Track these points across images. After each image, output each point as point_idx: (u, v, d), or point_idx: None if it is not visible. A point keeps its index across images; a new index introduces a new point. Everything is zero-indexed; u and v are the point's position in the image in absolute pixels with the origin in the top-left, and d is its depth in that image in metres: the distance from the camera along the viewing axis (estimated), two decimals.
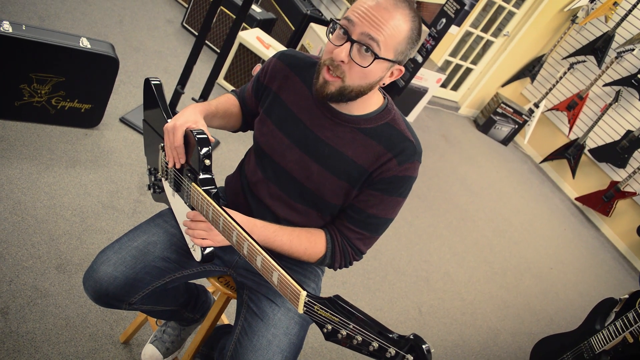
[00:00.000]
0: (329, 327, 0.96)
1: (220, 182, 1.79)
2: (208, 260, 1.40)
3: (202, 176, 1.34)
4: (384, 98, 1.46)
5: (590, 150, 6.40)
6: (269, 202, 1.55)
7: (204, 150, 1.33)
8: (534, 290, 4.34)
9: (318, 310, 0.98)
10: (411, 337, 0.88)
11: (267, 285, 1.55)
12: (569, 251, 5.43)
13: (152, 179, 1.69)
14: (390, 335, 0.89)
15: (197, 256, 1.40)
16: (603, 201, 6.18)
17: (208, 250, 1.39)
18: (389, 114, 1.44)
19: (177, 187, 1.48)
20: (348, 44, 1.25)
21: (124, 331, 2.13)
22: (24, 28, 2.47)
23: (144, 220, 2.54)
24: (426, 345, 0.87)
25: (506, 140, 7.03)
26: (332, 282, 3.01)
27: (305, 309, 1.02)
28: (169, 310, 1.72)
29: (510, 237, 4.94)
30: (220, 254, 1.62)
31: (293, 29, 4.77)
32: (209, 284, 2.26)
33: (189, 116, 1.38)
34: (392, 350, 0.88)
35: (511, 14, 6.35)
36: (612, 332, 2.52)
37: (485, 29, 6.31)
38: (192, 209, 1.41)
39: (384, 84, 1.37)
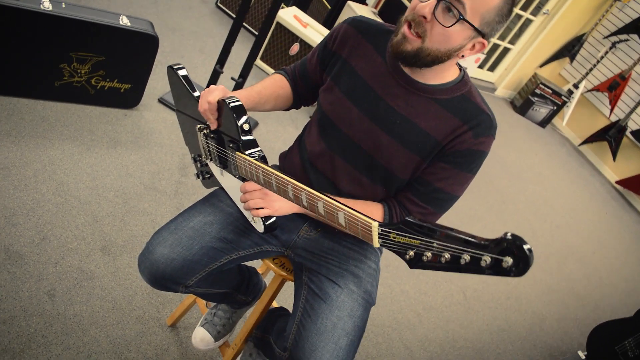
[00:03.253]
0: (411, 252, 0.89)
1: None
2: (271, 230, 1.34)
3: (243, 139, 1.29)
4: (460, 70, 1.38)
5: (633, 132, 6.22)
6: (332, 175, 1.47)
7: (240, 116, 1.29)
8: (577, 274, 4.23)
9: (395, 237, 0.91)
10: (508, 237, 0.78)
11: (328, 266, 1.48)
12: (611, 235, 5.28)
13: (198, 165, 1.64)
14: (483, 243, 0.81)
15: (260, 227, 1.34)
16: None
17: (270, 220, 1.33)
18: (465, 86, 1.35)
19: (224, 164, 1.43)
20: (434, 1, 1.16)
21: (171, 314, 2.09)
22: (63, 6, 2.42)
23: (186, 201, 2.51)
24: (527, 245, 0.77)
25: (544, 122, 6.85)
26: None
27: (380, 240, 0.95)
28: (222, 292, 1.67)
29: (552, 220, 4.82)
30: (278, 234, 1.56)
31: (329, 7, 4.67)
32: (258, 266, 2.21)
33: (226, 89, 1.35)
34: (487, 258, 0.80)
35: None
36: None
37: (524, 7, 6.13)
38: (243, 180, 1.35)
39: (462, 56, 1.28)
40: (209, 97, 1.31)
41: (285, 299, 2.39)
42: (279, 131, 3.54)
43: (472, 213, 4.04)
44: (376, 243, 0.96)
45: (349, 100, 1.40)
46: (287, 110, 1.66)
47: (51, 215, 2.18)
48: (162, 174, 2.67)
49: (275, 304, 2.09)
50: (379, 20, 4.49)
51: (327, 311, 1.37)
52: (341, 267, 1.48)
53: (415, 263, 0.88)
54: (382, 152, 1.38)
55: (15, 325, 1.79)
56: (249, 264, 1.87)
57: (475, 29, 1.20)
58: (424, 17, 1.18)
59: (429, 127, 1.33)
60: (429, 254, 0.86)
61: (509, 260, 0.77)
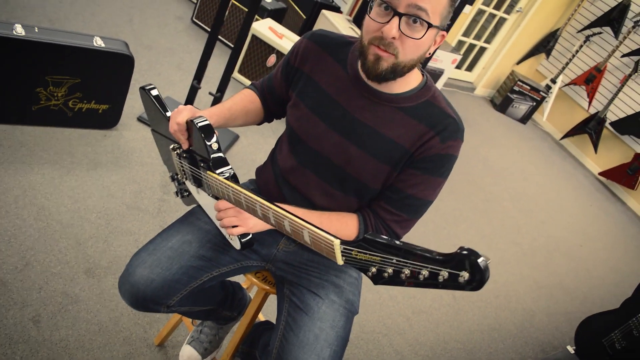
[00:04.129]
0: (373, 269, 0.90)
1: (244, 175, 1.73)
2: (248, 247, 1.34)
3: (213, 158, 1.30)
4: (423, 75, 1.39)
5: (612, 123, 6.28)
6: (305, 191, 1.48)
7: (209, 135, 1.30)
8: (565, 268, 4.26)
9: (357, 255, 0.92)
10: (464, 252, 0.80)
11: (308, 277, 1.49)
12: (596, 227, 5.33)
13: (176, 184, 1.64)
14: (438, 257, 0.82)
15: (237, 245, 1.34)
16: (628, 174, 6.06)
17: (247, 237, 1.33)
18: (429, 92, 1.36)
19: (198, 182, 1.43)
20: (396, 19, 1.17)
21: (158, 333, 2.08)
22: (36, 30, 2.42)
23: (169, 219, 2.50)
24: (482, 258, 0.79)
25: (524, 119, 6.91)
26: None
27: (344, 258, 0.96)
28: (207, 309, 1.67)
29: (537, 216, 4.85)
30: (257, 249, 1.56)
31: (304, 17, 4.69)
32: (242, 281, 2.21)
33: (195, 109, 1.36)
34: (445, 273, 0.81)
35: None
36: None
37: (497, 6, 6.20)
38: (217, 199, 1.36)
39: (429, 54, 1.31)
40: (177, 118, 1.32)
41: (273, 311, 2.39)
42: (260, 143, 3.54)
43: (457, 214, 4.06)
44: (339, 261, 0.97)
45: (315, 115, 1.41)
46: (259, 124, 1.67)
47: (33, 240, 2.17)
48: (144, 192, 2.67)
49: (262, 317, 2.09)
50: (355, 27, 4.52)
51: (309, 323, 1.38)
52: (322, 278, 1.49)
53: (378, 279, 0.90)
54: (352, 165, 1.38)
55: (0, 354, 1.78)
56: (232, 279, 1.88)
57: (438, 28, 1.22)
58: (393, 38, 1.19)
59: (396, 135, 1.34)
60: (390, 270, 0.87)
61: (465, 275, 0.79)
